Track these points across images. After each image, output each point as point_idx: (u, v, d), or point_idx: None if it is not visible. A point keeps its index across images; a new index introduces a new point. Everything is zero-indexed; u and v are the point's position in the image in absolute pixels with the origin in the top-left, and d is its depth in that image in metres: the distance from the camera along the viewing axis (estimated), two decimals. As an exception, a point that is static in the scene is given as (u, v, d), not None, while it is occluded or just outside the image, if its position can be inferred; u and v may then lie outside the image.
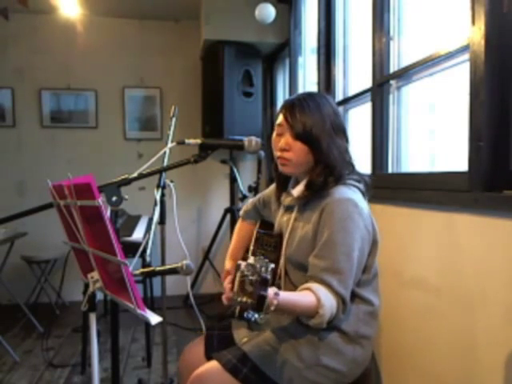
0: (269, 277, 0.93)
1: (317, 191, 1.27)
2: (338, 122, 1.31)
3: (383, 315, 1.70)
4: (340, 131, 1.30)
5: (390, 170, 1.95)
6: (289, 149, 1.29)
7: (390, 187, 1.82)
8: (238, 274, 0.94)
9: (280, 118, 1.31)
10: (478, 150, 1.28)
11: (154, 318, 1.08)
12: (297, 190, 1.34)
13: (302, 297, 1.16)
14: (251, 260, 0.94)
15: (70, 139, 4.05)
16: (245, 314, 0.95)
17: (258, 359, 1.23)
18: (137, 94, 4.14)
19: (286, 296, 1.10)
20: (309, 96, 1.32)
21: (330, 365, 1.23)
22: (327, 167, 1.26)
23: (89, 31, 3.98)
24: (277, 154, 1.32)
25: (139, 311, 1.08)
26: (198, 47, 3.81)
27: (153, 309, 1.40)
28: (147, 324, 2.71)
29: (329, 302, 1.14)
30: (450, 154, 1.77)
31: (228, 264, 1.56)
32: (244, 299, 0.93)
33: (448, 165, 1.75)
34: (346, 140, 1.33)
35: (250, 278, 0.92)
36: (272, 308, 1.03)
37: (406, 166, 1.92)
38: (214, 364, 1.25)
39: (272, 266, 0.95)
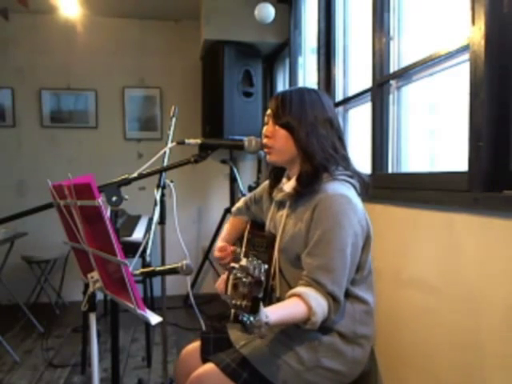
0: (263, 278, 0.92)
1: (308, 186, 1.26)
2: (327, 115, 1.31)
3: (382, 315, 1.70)
4: (327, 124, 1.30)
5: (390, 170, 1.95)
6: (271, 136, 1.33)
7: (389, 187, 1.82)
8: (231, 277, 0.92)
9: (268, 108, 1.37)
10: (478, 150, 1.27)
11: (154, 318, 1.08)
12: (288, 186, 1.34)
13: (294, 310, 1.14)
14: (244, 262, 0.92)
15: (70, 139, 4.05)
16: (239, 317, 0.93)
17: (258, 363, 1.21)
18: (137, 94, 4.15)
19: (278, 318, 1.08)
20: (298, 88, 1.38)
21: (331, 366, 1.24)
22: (306, 155, 1.27)
23: (89, 31, 3.98)
24: (263, 142, 1.37)
25: (139, 311, 1.08)
26: (198, 47, 3.81)
27: (153, 309, 1.40)
28: (147, 324, 2.71)
29: (320, 308, 1.14)
30: (450, 153, 1.77)
31: (220, 243, 1.54)
32: (238, 302, 0.91)
33: (448, 165, 1.75)
34: (339, 137, 1.33)
35: (244, 280, 0.90)
36: (264, 330, 1.00)
37: (405, 166, 1.91)
38: (212, 366, 1.24)
39: (265, 266, 0.93)
